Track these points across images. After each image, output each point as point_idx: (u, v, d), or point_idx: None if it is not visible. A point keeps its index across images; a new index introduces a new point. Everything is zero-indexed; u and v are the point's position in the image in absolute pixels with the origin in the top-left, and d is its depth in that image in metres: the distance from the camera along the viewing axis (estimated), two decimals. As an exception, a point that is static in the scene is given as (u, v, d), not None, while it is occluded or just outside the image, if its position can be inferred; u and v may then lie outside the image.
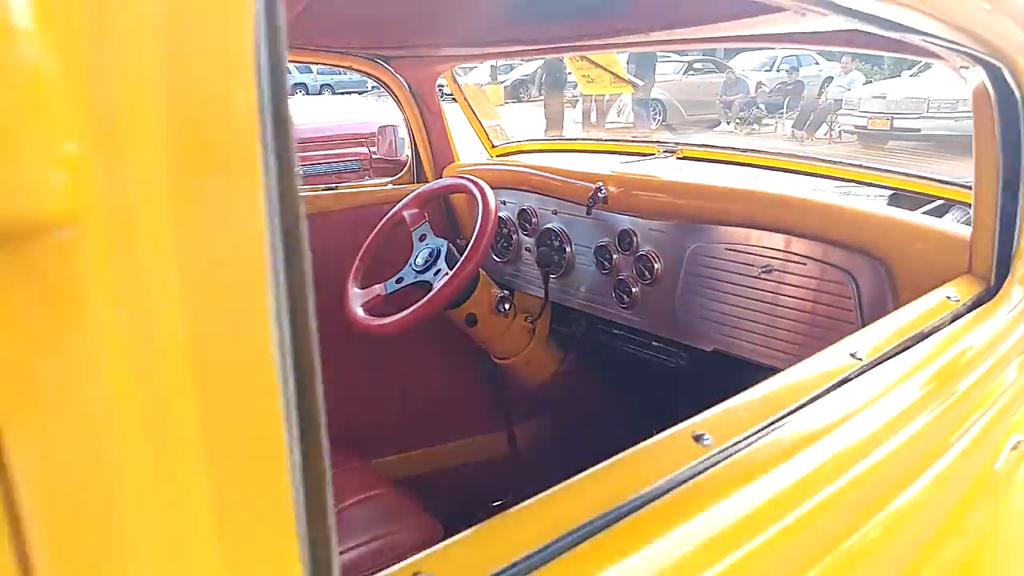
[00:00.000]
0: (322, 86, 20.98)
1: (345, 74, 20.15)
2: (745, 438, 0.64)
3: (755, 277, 1.40)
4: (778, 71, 15.22)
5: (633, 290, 1.64)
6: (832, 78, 13.82)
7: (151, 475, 0.24)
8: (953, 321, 0.92)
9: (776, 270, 1.37)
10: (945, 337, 0.88)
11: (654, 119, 13.92)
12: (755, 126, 13.36)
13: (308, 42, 1.80)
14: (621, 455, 0.58)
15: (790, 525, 0.59)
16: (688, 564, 0.52)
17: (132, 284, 0.23)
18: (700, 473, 0.59)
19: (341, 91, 20.72)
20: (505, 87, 18.08)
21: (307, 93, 20.21)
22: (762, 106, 13.89)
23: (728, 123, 13.94)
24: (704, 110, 14.54)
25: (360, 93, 19.42)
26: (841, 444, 0.69)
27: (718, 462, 0.60)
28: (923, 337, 0.86)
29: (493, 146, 2.19)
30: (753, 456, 0.62)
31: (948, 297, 0.97)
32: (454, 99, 2.18)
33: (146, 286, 0.24)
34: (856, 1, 0.64)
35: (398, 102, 2.05)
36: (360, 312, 1.68)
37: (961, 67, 0.93)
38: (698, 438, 0.62)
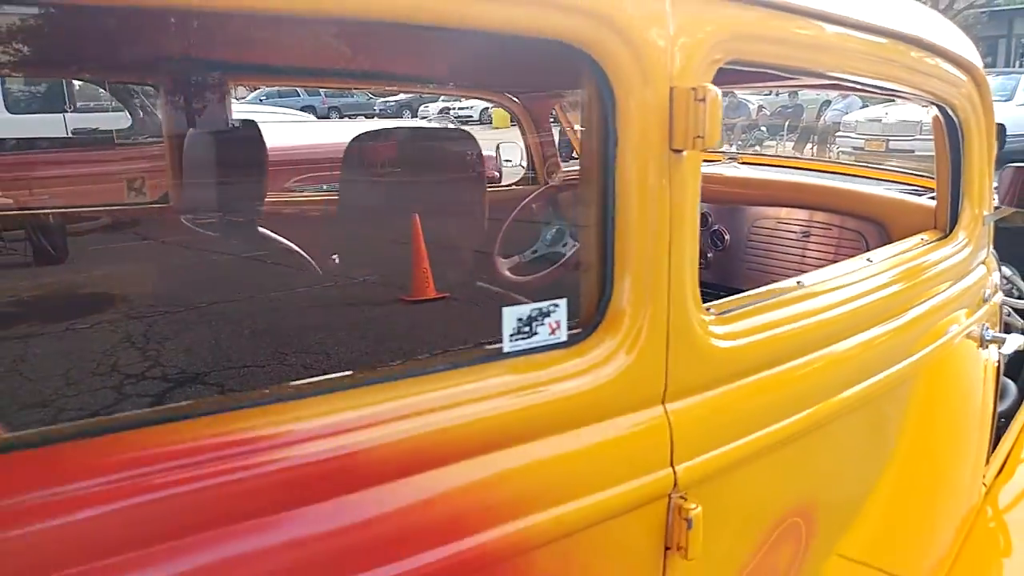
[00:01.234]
0: (329, 108, 21.60)
1: (351, 97, 20.89)
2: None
3: (796, 240, 2.12)
4: (778, 95, 16.06)
5: (708, 255, 2.35)
6: (830, 102, 14.65)
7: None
8: (924, 248, 1.63)
9: (811, 234, 2.09)
10: (920, 254, 1.59)
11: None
12: (757, 148, 14.15)
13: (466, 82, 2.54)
14: None
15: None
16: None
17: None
18: None
19: (348, 113, 21.35)
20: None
21: (316, 115, 20.85)
22: (764, 128, 14.69)
23: (731, 145, 14.75)
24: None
25: (367, 116, 20.09)
26: (864, 304, 1.37)
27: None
28: (908, 254, 1.57)
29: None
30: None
31: (922, 239, 1.68)
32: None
33: None
34: (848, 77, 1.35)
35: (521, 126, 2.78)
36: (508, 273, 2.39)
37: (924, 105, 1.65)
38: None
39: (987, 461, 2.22)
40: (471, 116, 18.58)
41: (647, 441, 0.95)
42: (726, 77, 0.97)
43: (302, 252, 1.55)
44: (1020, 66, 25.03)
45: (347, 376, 0.83)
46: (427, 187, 1.75)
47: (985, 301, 1.78)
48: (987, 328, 1.75)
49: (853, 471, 1.46)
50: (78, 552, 0.61)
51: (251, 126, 1.82)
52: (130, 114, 5.16)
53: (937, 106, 1.58)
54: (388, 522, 0.77)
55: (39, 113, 8.15)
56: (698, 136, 0.89)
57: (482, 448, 0.83)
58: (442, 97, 20.10)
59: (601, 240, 0.91)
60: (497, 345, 0.87)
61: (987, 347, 1.76)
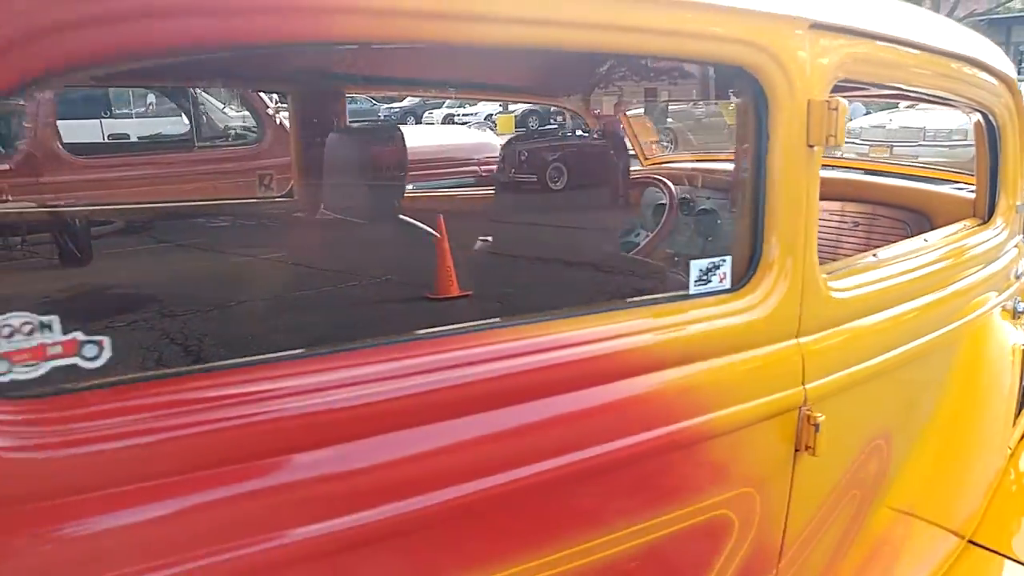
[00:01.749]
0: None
1: (355, 103, 21.40)
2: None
3: (848, 229, 2.43)
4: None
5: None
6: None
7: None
8: (967, 232, 1.94)
9: (861, 224, 2.40)
10: (963, 237, 1.90)
11: (666, 146, 15.06)
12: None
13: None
14: None
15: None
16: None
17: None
18: None
19: (353, 120, 21.67)
20: (516, 116, 19.32)
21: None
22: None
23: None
24: (714, 138, 15.70)
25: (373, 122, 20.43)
26: (925, 273, 1.68)
27: None
28: (954, 236, 1.89)
29: (646, 158, 3.25)
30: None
31: (965, 225, 1.99)
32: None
33: None
34: (918, 90, 1.66)
35: (587, 128, 3.09)
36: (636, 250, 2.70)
37: (967, 111, 1.96)
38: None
39: (1013, 425, 2.54)
40: (476, 122, 18.96)
41: (786, 366, 1.26)
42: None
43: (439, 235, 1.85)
44: (1019, 73, 25.45)
45: (588, 306, 1.14)
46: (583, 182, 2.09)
47: (1017, 279, 2.09)
48: (1019, 301, 2.06)
49: (915, 415, 1.77)
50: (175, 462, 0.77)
51: (394, 128, 2.13)
52: (189, 120, 5.47)
53: (980, 112, 1.89)
54: (616, 408, 1.07)
55: (78, 119, 8.41)
56: (830, 135, 1.20)
57: (678, 361, 1.13)
58: (446, 103, 20.55)
59: (754, 212, 1.22)
60: (685, 290, 1.18)
61: (1020, 318, 2.08)
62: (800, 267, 1.26)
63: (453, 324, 0.99)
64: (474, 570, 0.98)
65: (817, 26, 1.21)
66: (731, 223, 1.35)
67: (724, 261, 1.21)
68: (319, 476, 0.83)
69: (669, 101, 3.00)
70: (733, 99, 1.28)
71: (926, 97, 1.71)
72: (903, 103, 13.72)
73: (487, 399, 0.96)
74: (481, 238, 2.01)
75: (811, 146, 1.23)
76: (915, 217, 2.27)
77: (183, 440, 0.75)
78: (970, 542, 2.14)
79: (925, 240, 1.80)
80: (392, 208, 2.03)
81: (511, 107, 20.75)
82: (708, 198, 2.60)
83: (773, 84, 1.17)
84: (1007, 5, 17.84)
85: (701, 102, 3.52)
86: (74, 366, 0.72)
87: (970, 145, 2.08)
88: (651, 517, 1.13)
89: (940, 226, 2.20)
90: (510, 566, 0.99)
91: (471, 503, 0.94)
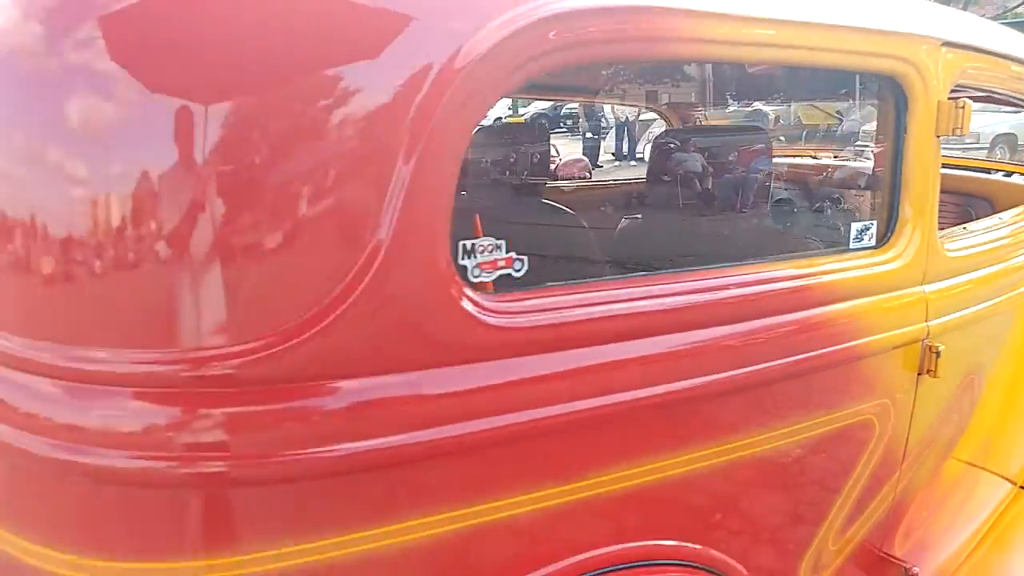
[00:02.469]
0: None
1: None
2: None
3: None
4: (791, 106, 16.77)
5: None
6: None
7: None
8: (1027, 214, 2.32)
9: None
10: (1025, 216, 2.28)
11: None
12: (778, 154, 14.88)
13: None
14: None
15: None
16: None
17: None
18: None
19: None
20: (525, 119, 19.70)
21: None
22: (783, 139, 15.41)
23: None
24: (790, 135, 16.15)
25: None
26: (1002, 244, 2.04)
27: None
28: (1021, 215, 2.26)
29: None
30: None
31: None
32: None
33: None
34: (1009, 94, 2.04)
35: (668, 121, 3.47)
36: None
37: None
38: None
39: None
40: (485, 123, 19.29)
41: (916, 306, 1.63)
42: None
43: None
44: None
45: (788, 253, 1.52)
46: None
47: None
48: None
49: (995, 359, 2.14)
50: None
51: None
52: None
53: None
54: (807, 327, 1.44)
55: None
56: (956, 127, 1.58)
57: (844, 297, 1.51)
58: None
59: (893, 187, 1.59)
60: (847, 245, 1.56)
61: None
62: (925, 231, 1.63)
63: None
64: (683, 449, 1.33)
65: (947, 44, 1.58)
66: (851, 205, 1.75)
67: (872, 224, 1.59)
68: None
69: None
70: (874, 101, 1.67)
71: (1011, 100, 2.09)
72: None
73: (731, 315, 1.33)
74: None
75: (938, 136, 1.60)
76: (978, 202, 2.64)
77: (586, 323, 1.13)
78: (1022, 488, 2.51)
79: (1000, 218, 2.18)
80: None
81: (520, 110, 21.25)
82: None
83: (913, 88, 1.54)
84: (1015, 10, 18.23)
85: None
86: (508, 275, 1.10)
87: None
88: (823, 415, 1.51)
89: (1002, 210, 2.57)
90: (697, 450, 1.35)
91: (704, 393, 1.30)
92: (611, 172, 10.20)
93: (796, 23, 1.36)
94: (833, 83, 2.39)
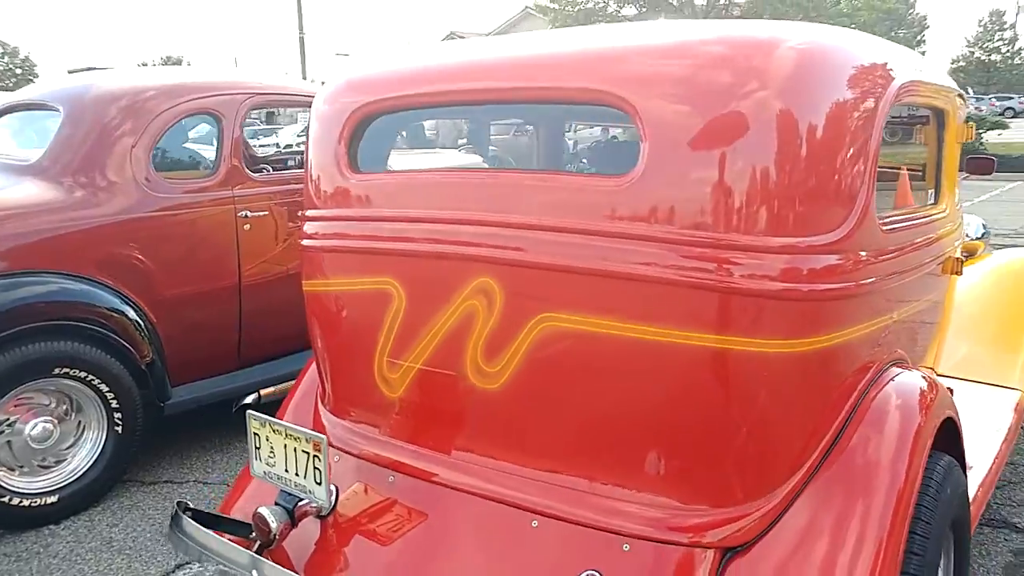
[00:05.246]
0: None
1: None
2: None
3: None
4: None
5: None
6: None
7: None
8: None
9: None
10: None
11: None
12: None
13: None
14: None
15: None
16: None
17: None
18: None
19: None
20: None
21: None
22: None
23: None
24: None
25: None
26: None
27: None
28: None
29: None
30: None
31: None
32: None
33: None
34: None
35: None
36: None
37: None
38: None
39: None
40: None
41: (954, 241, 2.90)
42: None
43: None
44: None
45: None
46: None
47: None
48: None
49: None
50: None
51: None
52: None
53: None
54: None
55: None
56: (967, 138, 2.90)
57: (935, 229, 2.73)
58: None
59: (938, 170, 2.87)
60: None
61: None
62: (952, 197, 2.91)
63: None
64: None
65: (958, 95, 2.90)
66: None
67: (932, 189, 2.84)
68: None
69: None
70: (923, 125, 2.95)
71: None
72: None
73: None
74: None
75: (959, 143, 2.91)
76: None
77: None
78: None
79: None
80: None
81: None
82: None
83: (949, 117, 2.82)
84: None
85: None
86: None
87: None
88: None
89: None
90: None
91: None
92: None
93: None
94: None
